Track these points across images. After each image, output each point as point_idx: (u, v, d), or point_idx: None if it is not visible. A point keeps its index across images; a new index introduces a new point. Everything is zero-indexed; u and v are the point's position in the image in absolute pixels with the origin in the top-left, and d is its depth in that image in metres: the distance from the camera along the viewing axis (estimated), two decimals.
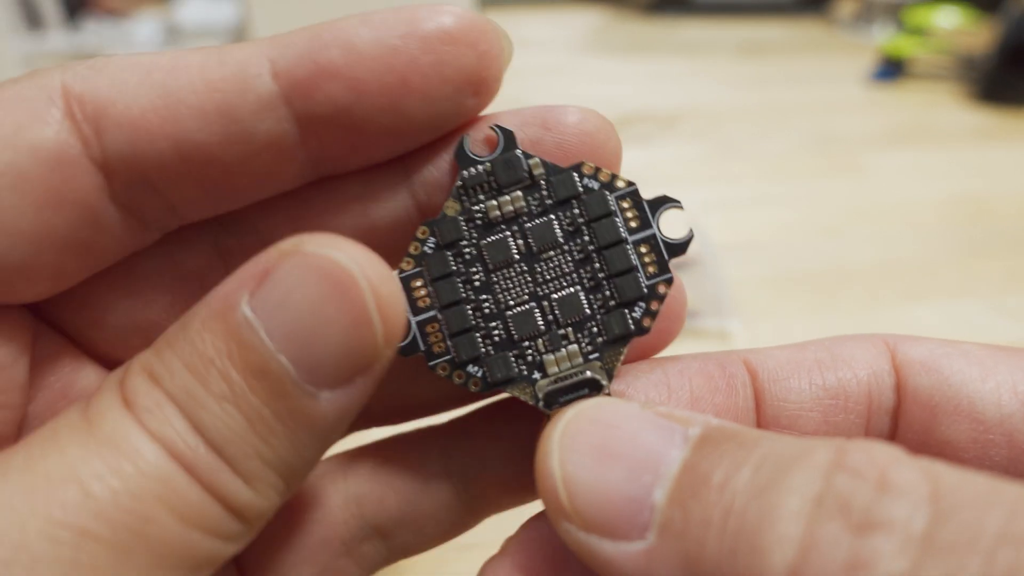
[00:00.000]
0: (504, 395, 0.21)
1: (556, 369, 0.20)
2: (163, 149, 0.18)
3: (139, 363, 0.17)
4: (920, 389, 0.20)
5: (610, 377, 0.20)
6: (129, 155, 0.18)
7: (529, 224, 0.21)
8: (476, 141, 0.21)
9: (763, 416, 0.21)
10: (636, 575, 0.15)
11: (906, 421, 0.20)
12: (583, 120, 0.21)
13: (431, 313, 0.20)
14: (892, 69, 1.27)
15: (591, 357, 0.20)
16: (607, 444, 0.17)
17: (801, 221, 0.85)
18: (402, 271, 0.20)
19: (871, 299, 0.71)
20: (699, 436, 0.16)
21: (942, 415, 0.20)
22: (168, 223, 0.20)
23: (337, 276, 0.17)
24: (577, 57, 1.49)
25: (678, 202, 0.21)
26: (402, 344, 0.20)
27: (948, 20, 1.29)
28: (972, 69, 1.24)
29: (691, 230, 0.21)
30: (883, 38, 1.40)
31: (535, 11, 1.77)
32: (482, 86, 0.20)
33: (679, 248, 0.20)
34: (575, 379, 0.20)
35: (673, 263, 0.20)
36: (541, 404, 0.20)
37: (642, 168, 0.96)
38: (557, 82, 1.32)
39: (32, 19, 1.32)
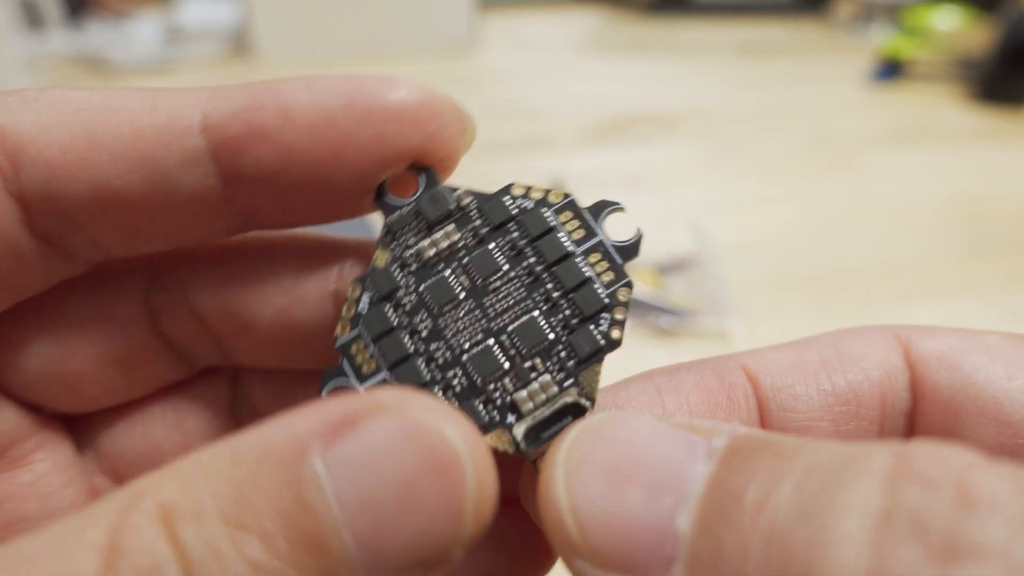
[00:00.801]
0: None
1: (531, 405, 0.18)
2: (80, 191, 0.18)
3: (153, 496, 0.13)
4: (939, 388, 0.18)
5: (592, 400, 0.18)
6: (46, 192, 0.18)
7: (467, 257, 0.19)
8: (395, 186, 0.20)
9: (769, 429, 0.19)
10: None
11: (924, 424, 0.18)
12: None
13: (380, 376, 0.19)
14: (891, 70, 1.28)
15: (566, 384, 0.18)
16: (619, 464, 0.14)
17: (801, 221, 0.85)
18: (337, 338, 0.19)
19: (870, 299, 0.72)
20: (726, 447, 0.14)
21: (965, 417, 0.18)
22: (93, 256, 0.20)
23: (443, 454, 0.14)
24: (577, 58, 1.49)
25: (619, 204, 0.19)
26: None
27: (946, 21, 1.29)
28: (971, 70, 1.25)
29: (639, 229, 0.19)
30: (882, 39, 1.40)
31: (535, 12, 1.77)
32: (431, 166, 0.19)
33: (631, 250, 0.19)
34: (554, 407, 0.18)
35: (631, 266, 0.19)
36: (523, 446, 0.18)
37: (642, 168, 0.97)
38: (557, 82, 1.32)
39: (33, 20, 1.33)
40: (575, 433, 0.15)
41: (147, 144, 0.18)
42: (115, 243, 0.19)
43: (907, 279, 0.75)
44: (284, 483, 0.13)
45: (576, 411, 0.18)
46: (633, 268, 0.19)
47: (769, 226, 0.84)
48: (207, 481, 0.13)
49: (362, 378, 0.19)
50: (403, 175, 0.20)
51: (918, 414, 0.19)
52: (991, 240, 0.82)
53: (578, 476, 0.14)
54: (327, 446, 0.14)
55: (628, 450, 0.15)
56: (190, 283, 0.21)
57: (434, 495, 0.14)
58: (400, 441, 0.14)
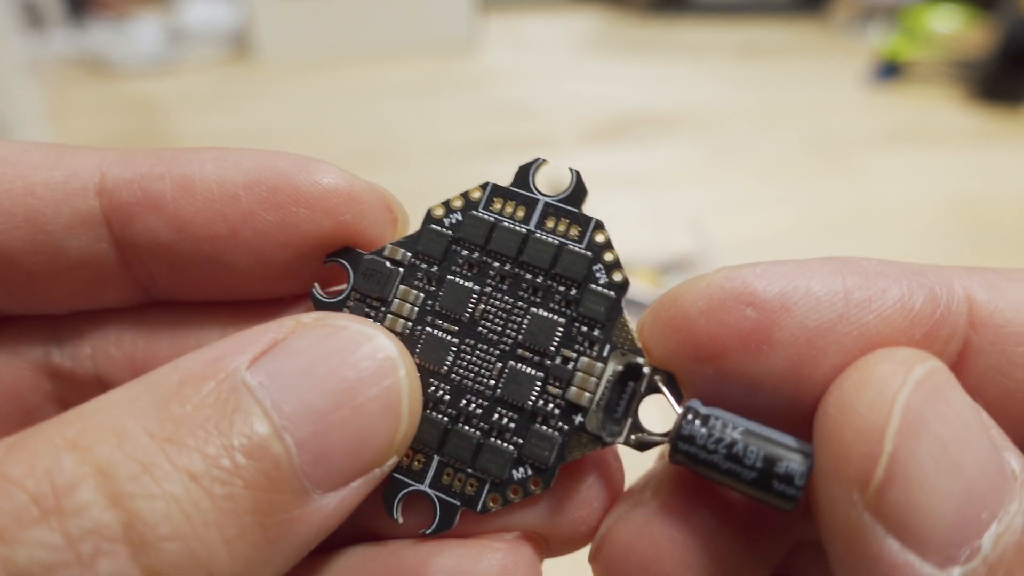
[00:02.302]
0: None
1: (588, 396, 0.17)
2: None
3: (58, 429, 0.13)
4: None
5: (638, 352, 0.17)
6: None
7: (437, 303, 0.18)
8: (326, 287, 0.19)
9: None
10: None
11: None
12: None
13: (434, 464, 0.18)
14: (890, 70, 1.28)
15: (605, 352, 0.17)
16: (951, 452, 0.13)
17: (800, 221, 0.86)
18: None
19: None
20: None
21: None
22: None
23: (377, 355, 0.15)
24: (577, 58, 1.49)
25: (538, 159, 0.19)
26: (434, 527, 0.17)
27: (945, 22, 1.29)
28: (970, 70, 1.25)
29: (571, 169, 0.18)
30: (880, 40, 1.41)
31: (535, 12, 1.78)
32: (349, 248, 0.18)
33: (577, 193, 0.18)
34: (610, 384, 0.17)
35: (590, 209, 0.18)
36: (606, 438, 0.17)
37: (642, 168, 0.97)
38: (557, 82, 1.32)
39: (34, 20, 1.33)
40: (924, 381, 0.14)
41: (36, 201, 0.17)
42: (1, 301, 0.18)
43: None
44: (214, 398, 0.13)
45: (634, 371, 0.17)
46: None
47: (768, 226, 0.85)
48: (124, 407, 0.13)
49: (422, 476, 0.18)
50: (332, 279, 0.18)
51: None
52: (990, 239, 0.82)
53: (915, 437, 0.13)
54: (253, 361, 0.14)
55: (961, 440, 0.13)
56: (98, 349, 0.19)
57: (373, 394, 0.15)
58: (333, 347, 0.14)
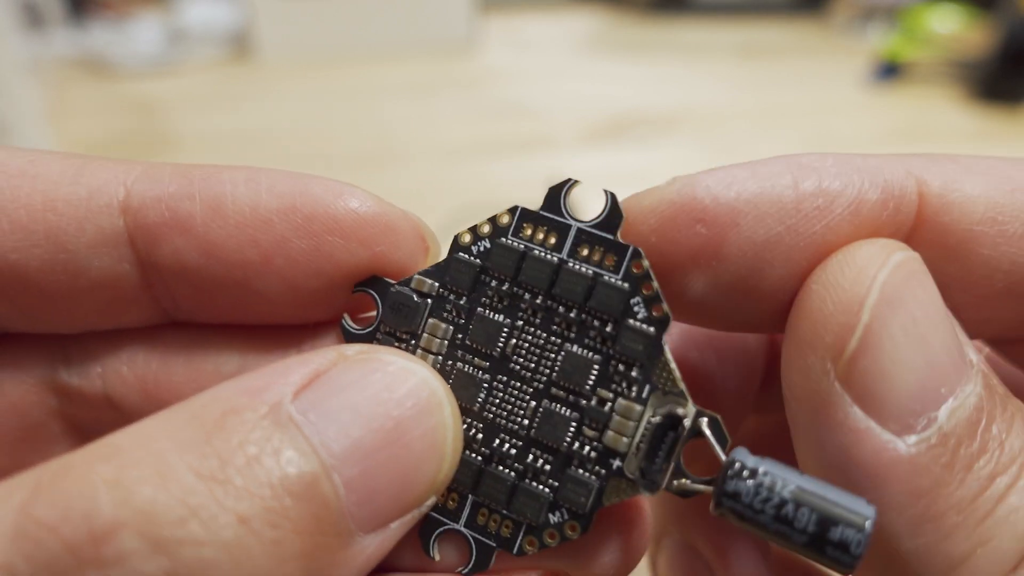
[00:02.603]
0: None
1: (626, 441, 0.16)
2: None
3: (99, 460, 0.12)
4: None
5: (684, 396, 0.16)
6: None
7: (467, 339, 0.17)
8: (354, 314, 0.18)
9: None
10: (880, 465, 0.14)
11: None
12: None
13: (468, 503, 0.17)
14: (890, 71, 1.28)
15: (644, 394, 0.16)
16: (921, 329, 0.14)
17: None
18: None
19: None
20: (983, 383, 0.14)
21: None
22: None
23: (422, 392, 0.14)
24: (577, 58, 1.49)
25: (570, 180, 0.18)
26: (471, 566, 0.17)
27: (945, 22, 1.29)
28: (969, 70, 1.25)
29: (606, 191, 0.17)
30: (880, 40, 1.41)
31: (535, 12, 1.78)
32: (379, 278, 0.17)
33: (612, 217, 0.17)
34: (654, 425, 0.16)
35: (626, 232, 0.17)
36: (643, 487, 0.16)
37: (642, 168, 0.97)
38: (557, 83, 1.32)
39: (34, 20, 1.33)
40: (900, 278, 0.14)
41: (58, 218, 0.16)
42: (11, 320, 0.17)
43: None
44: (260, 433, 0.13)
45: (675, 420, 0.16)
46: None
47: None
48: (164, 441, 0.12)
49: (456, 515, 0.17)
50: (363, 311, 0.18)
51: None
52: None
53: (890, 312, 0.14)
54: (297, 394, 0.13)
55: (930, 322, 0.14)
56: (108, 368, 0.18)
57: (419, 434, 0.14)
58: (380, 383, 0.14)
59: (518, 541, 0.17)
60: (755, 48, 1.52)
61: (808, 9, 1.73)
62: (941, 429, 0.14)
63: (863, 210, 0.16)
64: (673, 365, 0.16)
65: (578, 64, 1.45)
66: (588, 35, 1.65)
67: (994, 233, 0.16)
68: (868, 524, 0.14)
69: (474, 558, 0.17)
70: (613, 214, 0.17)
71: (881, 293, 0.14)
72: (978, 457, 0.14)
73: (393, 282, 0.18)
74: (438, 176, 0.96)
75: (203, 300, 0.17)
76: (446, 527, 0.17)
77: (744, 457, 0.15)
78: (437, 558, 0.17)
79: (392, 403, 0.14)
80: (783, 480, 0.14)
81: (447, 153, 1.04)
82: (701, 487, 0.16)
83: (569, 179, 0.17)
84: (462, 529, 0.17)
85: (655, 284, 0.16)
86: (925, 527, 0.13)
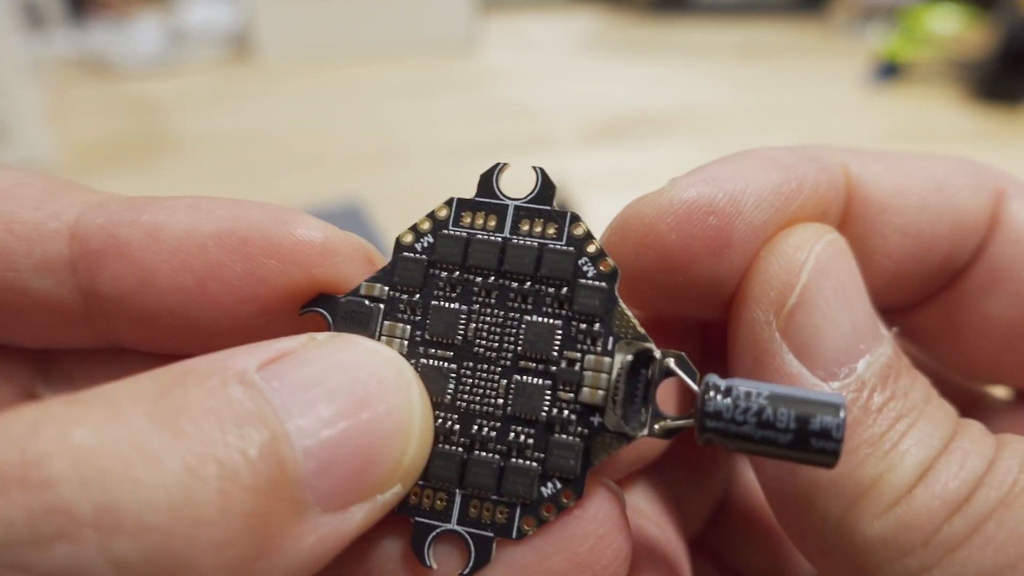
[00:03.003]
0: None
1: (601, 394, 0.17)
2: None
3: (43, 407, 0.12)
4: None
5: (645, 338, 0.17)
6: None
7: (425, 333, 0.17)
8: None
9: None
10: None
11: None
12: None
13: (458, 497, 0.17)
14: (889, 71, 1.28)
15: (610, 346, 0.17)
16: (847, 294, 0.17)
17: None
18: (401, 507, 0.17)
19: None
20: (893, 348, 0.17)
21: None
22: None
23: (392, 375, 0.15)
24: (577, 58, 1.49)
25: (499, 164, 0.18)
26: (471, 565, 0.17)
27: (945, 23, 1.29)
28: (969, 71, 1.25)
29: (534, 167, 0.18)
30: (879, 40, 1.41)
31: (535, 12, 1.78)
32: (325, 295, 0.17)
33: (545, 190, 0.18)
34: (624, 375, 0.16)
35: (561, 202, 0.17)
36: (631, 432, 0.16)
37: (642, 169, 0.97)
38: (557, 83, 1.32)
39: (34, 20, 1.33)
40: (830, 253, 0.17)
41: (13, 239, 0.16)
42: None
43: None
44: (221, 391, 0.13)
45: (644, 358, 0.17)
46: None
47: None
48: (122, 390, 0.12)
49: (447, 516, 0.17)
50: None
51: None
52: None
53: (823, 277, 0.17)
54: (263, 367, 0.13)
55: (852, 288, 0.17)
56: (80, 387, 0.18)
57: (383, 410, 0.14)
58: (346, 360, 0.14)
59: (515, 524, 0.17)
60: (755, 48, 1.52)
61: (808, 9, 1.73)
62: (860, 378, 0.16)
63: (820, 190, 0.18)
64: (629, 313, 0.17)
65: (578, 64, 1.45)
66: (588, 35, 1.65)
67: (901, 205, 0.19)
68: (842, 408, 0.15)
69: (473, 554, 0.17)
70: (546, 186, 0.18)
71: (817, 260, 0.17)
72: (887, 403, 0.16)
73: (340, 296, 0.17)
74: (438, 176, 0.96)
75: (141, 329, 0.17)
76: (438, 530, 0.17)
77: (716, 380, 0.16)
78: (435, 566, 0.17)
79: (358, 379, 0.14)
80: (756, 390, 0.15)
81: (447, 153, 1.04)
82: (681, 422, 0.16)
83: (498, 163, 0.18)
84: (455, 527, 0.17)
85: (597, 242, 0.17)
86: (843, 458, 0.15)
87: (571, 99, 1.23)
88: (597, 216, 0.18)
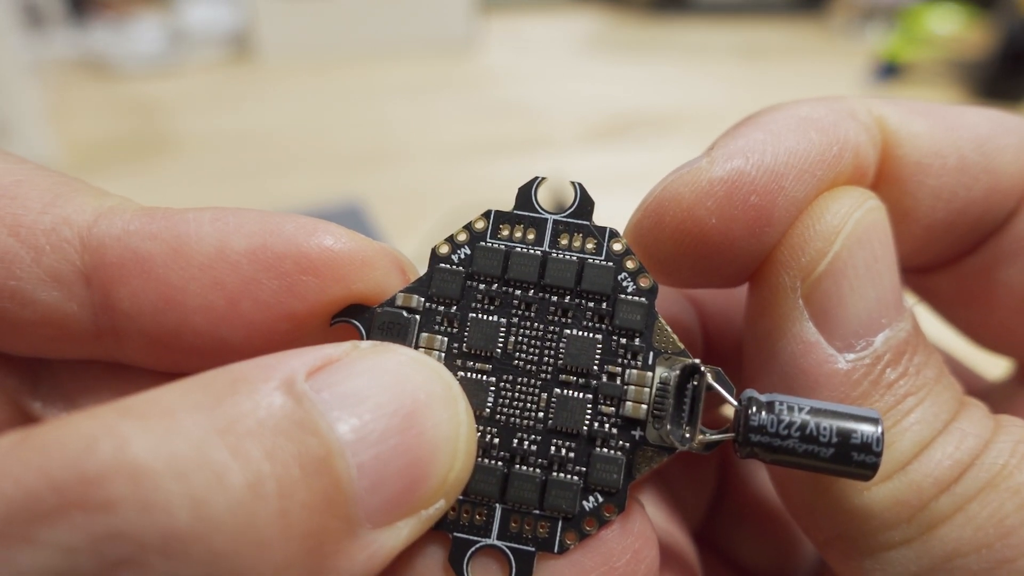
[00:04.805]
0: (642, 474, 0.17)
1: (644, 408, 0.17)
2: None
3: (92, 419, 0.11)
4: None
5: (687, 355, 0.17)
6: None
7: (464, 345, 0.17)
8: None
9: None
10: (820, 374, 0.16)
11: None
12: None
13: (498, 512, 0.17)
14: (889, 71, 1.28)
15: (650, 361, 0.17)
16: (878, 266, 0.17)
17: None
18: (441, 523, 0.17)
19: None
20: (913, 324, 0.17)
21: None
22: None
23: (440, 389, 0.14)
24: (577, 58, 1.49)
25: (538, 177, 0.18)
26: None
27: (945, 23, 1.30)
28: (969, 71, 1.25)
29: (572, 183, 0.18)
30: (879, 41, 1.41)
31: (535, 12, 1.78)
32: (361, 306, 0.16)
33: (584, 205, 0.18)
34: (670, 387, 0.16)
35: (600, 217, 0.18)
36: (678, 444, 0.16)
37: (641, 169, 0.97)
38: (557, 83, 1.32)
39: (35, 20, 1.33)
40: (874, 209, 0.17)
41: (18, 244, 0.15)
42: None
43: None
44: (270, 401, 0.12)
45: (691, 370, 0.16)
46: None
47: None
48: (174, 400, 0.12)
49: (486, 531, 0.16)
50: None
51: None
52: None
53: (856, 253, 0.16)
54: (310, 375, 0.13)
55: (880, 260, 0.17)
56: (72, 398, 0.18)
57: (431, 425, 0.14)
58: (395, 372, 0.14)
59: (557, 538, 0.16)
60: (755, 49, 1.52)
61: (808, 10, 1.73)
62: (875, 352, 0.16)
63: (861, 152, 0.18)
64: (669, 329, 0.17)
65: (578, 64, 1.45)
66: (588, 35, 1.65)
67: (938, 166, 0.18)
68: (880, 422, 0.15)
69: (515, 570, 0.16)
70: (585, 201, 0.18)
71: (854, 228, 0.17)
72: (899, 380, 0.16)
73: (374, 307, 0.17)
74: (438, 176, 0.96)
75: (157, 348, 0.16)
76: (478, 544, 0.16)
77: (756, 395, 0.16)
78: None
79: (406, 392, 0.14)
80: (797, 404, 0.15)
81: (447, 153, 1.04)
82: (721, 436, 0.16)
83: (537, 177, 0.18)
84: (496, 543, 0.16)
85: (636, 258, 0.17)
86: None
87: (571, 99, 1.23)
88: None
